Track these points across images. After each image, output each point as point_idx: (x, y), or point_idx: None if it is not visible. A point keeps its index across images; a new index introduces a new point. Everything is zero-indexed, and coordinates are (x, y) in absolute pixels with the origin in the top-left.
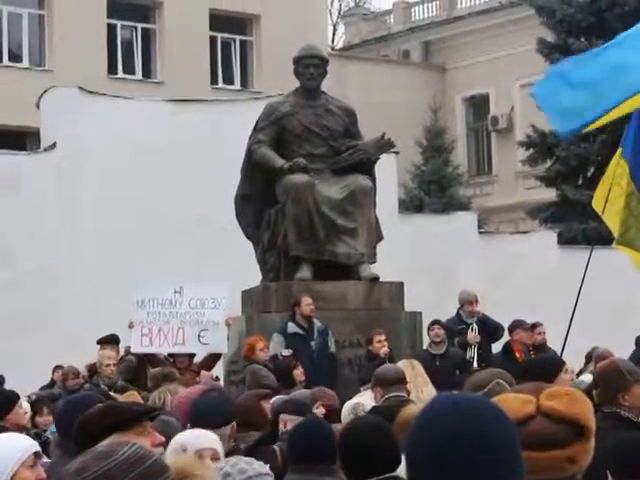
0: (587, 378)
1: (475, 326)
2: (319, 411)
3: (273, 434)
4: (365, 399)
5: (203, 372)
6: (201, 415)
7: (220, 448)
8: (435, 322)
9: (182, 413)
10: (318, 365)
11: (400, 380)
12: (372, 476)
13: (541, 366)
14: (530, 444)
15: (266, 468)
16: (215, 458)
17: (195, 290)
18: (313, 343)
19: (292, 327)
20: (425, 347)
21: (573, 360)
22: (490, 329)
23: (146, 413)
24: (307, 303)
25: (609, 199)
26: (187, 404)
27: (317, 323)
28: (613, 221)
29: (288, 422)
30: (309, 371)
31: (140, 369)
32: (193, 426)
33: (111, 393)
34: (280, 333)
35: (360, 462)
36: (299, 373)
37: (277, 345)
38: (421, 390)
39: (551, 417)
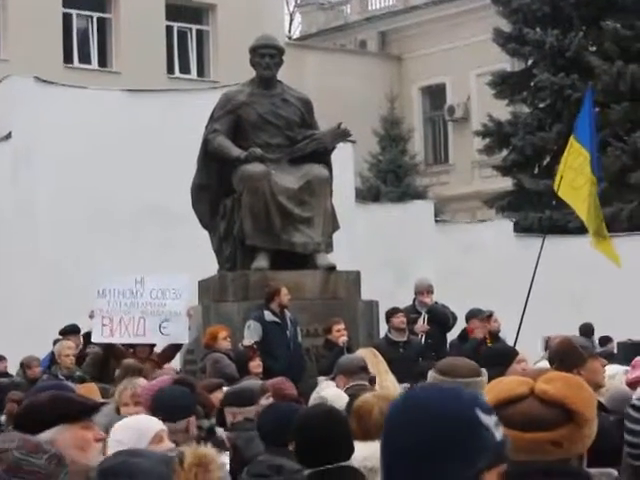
0: (544, 364)
1: (425, 315)
2: (267, 402)
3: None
4: (332, 389)
5: (166, 366)
6: (162, 407)
7: None
8: (398, 310)
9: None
10: (293, 354)
11: (363, 369)
12: (324, 464)
13: (495, 356)
14: (516, 424)
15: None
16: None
17: (156, 280)
18: (288, 332)
19: (269, 315)
20: (384, 335)
21: (528, 347)
22: (439, 319)
23: (96, 407)
24: (285, 293)
25: (573, 186)
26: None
27: (287, 313)
28: (580, 208)
29: (231, 414)
30: (285, 360)
31: (106, 362)
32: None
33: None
34: (257, 320)
35: (312, 451)
36: (255, 365)
37: (253, 332)
38: (384, 378)
39: (542, 400)
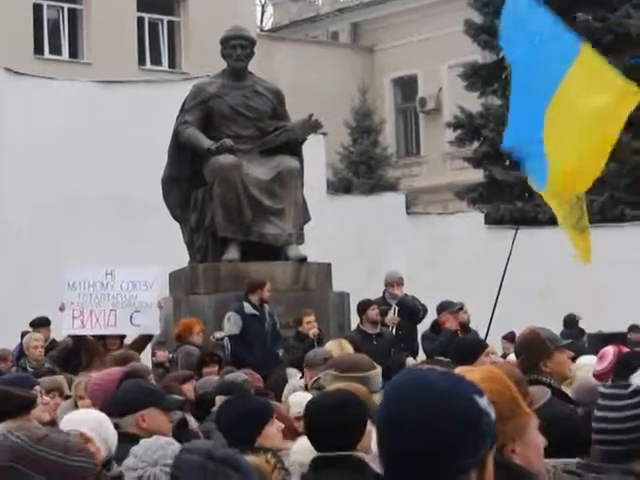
0: (513, 358)
1: (395, 307)
2: None
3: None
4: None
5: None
6: (114, 402)
7: (93, 430)
8: (372, 302)
9: (102, 395)
10: (270, 346)
11: (327, 360)
12: (334, 450)
13: (463, 349)
14: None
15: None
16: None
17: (127, 272)
18: (266, 324)
19: (249, 308)
20: (356, 327)
21: (498, 340)
22: (410, 311)
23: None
24: (269, 288)
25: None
26: (106, 387)
27: (266, 307)
28: (561, 204)
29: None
30: (261, 353)
31: (76, 354)
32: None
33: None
34: (237, 313)
35: (321, 436)
36: (208, 371)
37: (233, 324)
38: None
39: None
